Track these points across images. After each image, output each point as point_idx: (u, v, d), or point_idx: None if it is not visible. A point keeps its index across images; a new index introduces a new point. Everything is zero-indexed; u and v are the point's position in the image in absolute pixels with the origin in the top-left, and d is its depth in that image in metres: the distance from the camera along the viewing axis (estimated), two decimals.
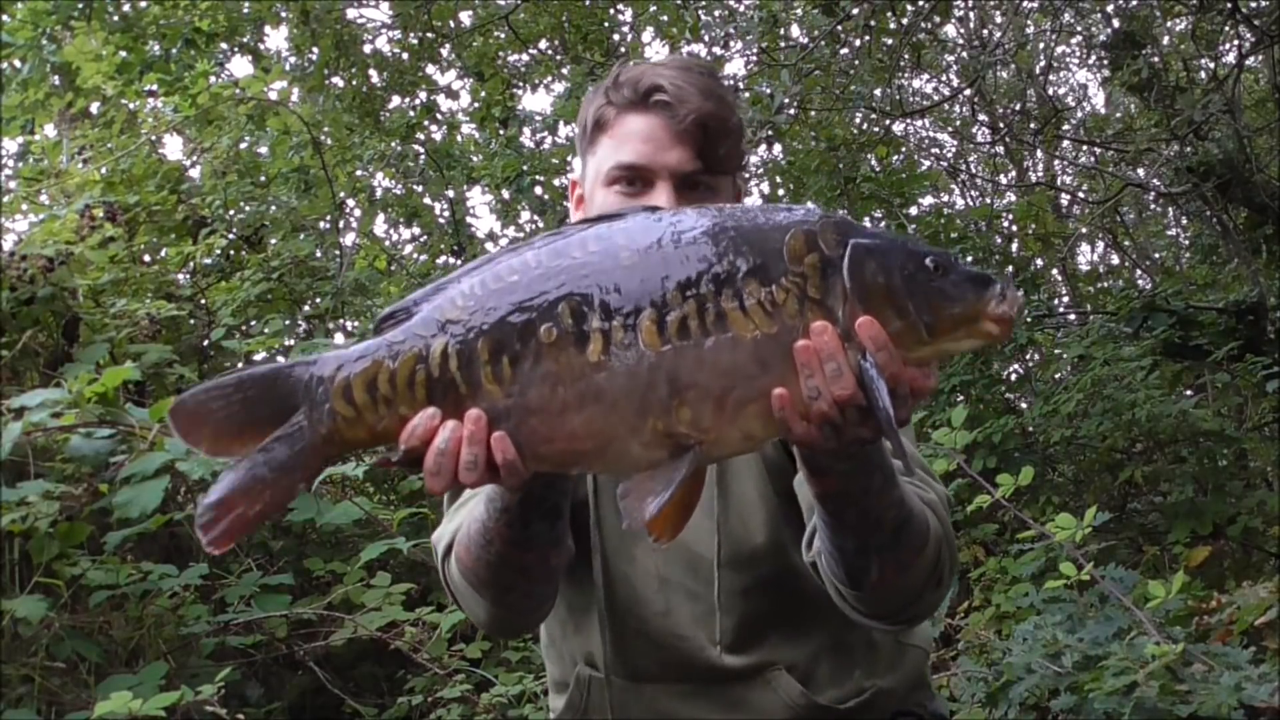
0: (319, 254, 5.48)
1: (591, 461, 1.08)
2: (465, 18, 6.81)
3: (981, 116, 6.90)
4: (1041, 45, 7.04)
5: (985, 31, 6.87)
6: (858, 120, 6.95)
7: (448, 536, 1.42)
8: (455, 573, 1.38)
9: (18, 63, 5.69)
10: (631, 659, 1.44)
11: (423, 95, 7.19)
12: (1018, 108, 7.16)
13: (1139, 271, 8.48)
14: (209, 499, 1.06)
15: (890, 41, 5.44)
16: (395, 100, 7.03)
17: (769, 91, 5.02)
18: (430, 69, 7.17)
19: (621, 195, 1.35)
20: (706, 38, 6.75)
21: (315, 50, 6.28)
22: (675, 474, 1.04)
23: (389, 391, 1.07)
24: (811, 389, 1.02)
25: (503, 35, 6.85)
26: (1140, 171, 7.08)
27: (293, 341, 4.81)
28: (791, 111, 5.15)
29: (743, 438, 1.06)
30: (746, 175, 1.47)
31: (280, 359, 4.81)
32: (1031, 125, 6.99)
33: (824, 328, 1.03)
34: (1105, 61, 6.43)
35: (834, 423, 1.04)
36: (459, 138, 7.61)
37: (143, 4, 6.01)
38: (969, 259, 6.53)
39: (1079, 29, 7.04)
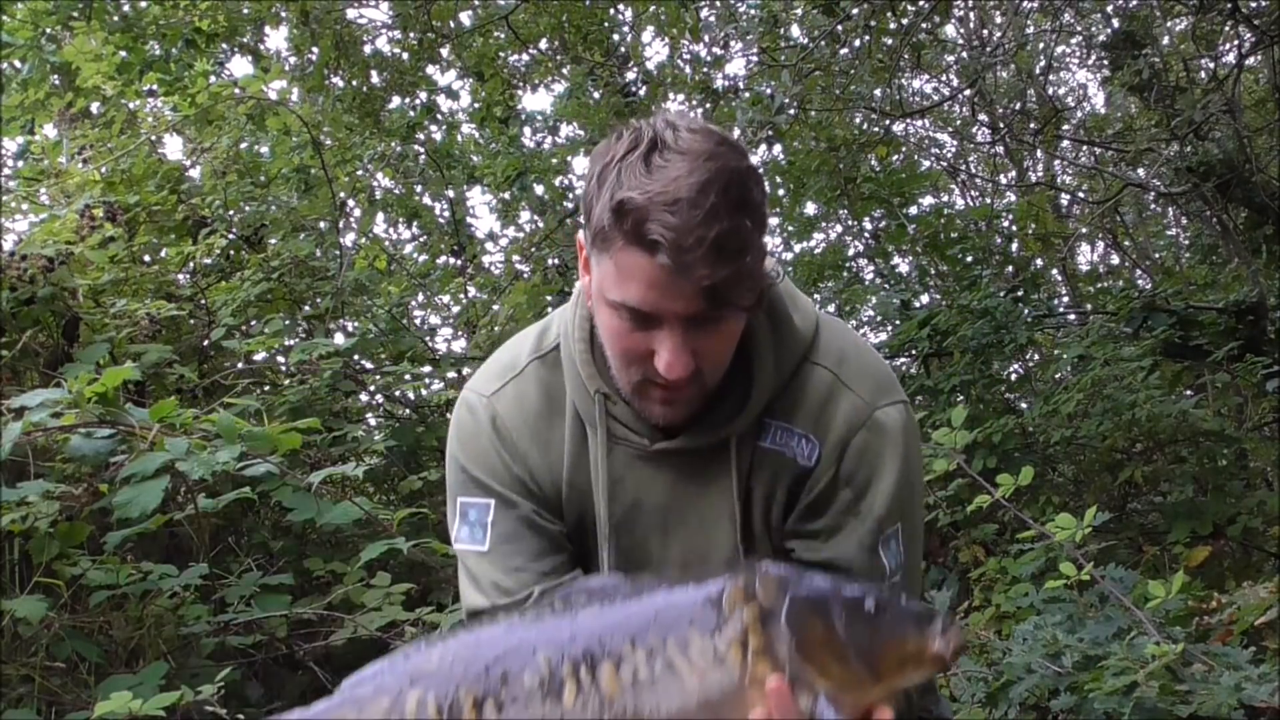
0: (319, 254, 5.48)
1: None
2: (465, 18, 6.81)
3: (981, 116, 6.90)
4: (1041, 45, 7.03)
5: (985, 31, 6.87)
6: (858, 120, 6.95)
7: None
8: None
9: (18, 63, 5.69)
10: None
11: (423, 95, 7.18)
12: (1018, 108, 7.16)
13: (1139, 271, 8.48)
14: None
15: (890, 42, 5.44)
16: (395, 100, 7.03)
17: (769, 92, 5.02)
18: (430, 69, 7.17)
19: (625, 323, 1.24)
20: (706, 38, 6.76)
21: (315, 50, 6.28)
22: None
23: None
24: None
25: (502, 35, 6.85)
26: (1140, 171, 7.08)
27: (293, 341, 4.81)
28: (791, 112, 5.15)
29: None
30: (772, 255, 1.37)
31: (281, 359, 4.82)
32: (1031, 125, 6.99)
33: (778, 685, 1.06)
34: (1105, 61, 6.43)
35: None
36: (459, 138, 7.61)
37: (143, 4, 6.01)
38: (969, 259, 6.54)
39: (1079, 29, 7.04)
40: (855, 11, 4.77)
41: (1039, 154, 8.31)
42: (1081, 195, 8.51)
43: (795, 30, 6.24)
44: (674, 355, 1.22)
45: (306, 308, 5.13)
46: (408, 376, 4.95)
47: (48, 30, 5.67)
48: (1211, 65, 6.04)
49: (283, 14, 6.57)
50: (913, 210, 7.25)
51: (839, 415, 1.34)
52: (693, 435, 1.34)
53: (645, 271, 1.18)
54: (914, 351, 5.69)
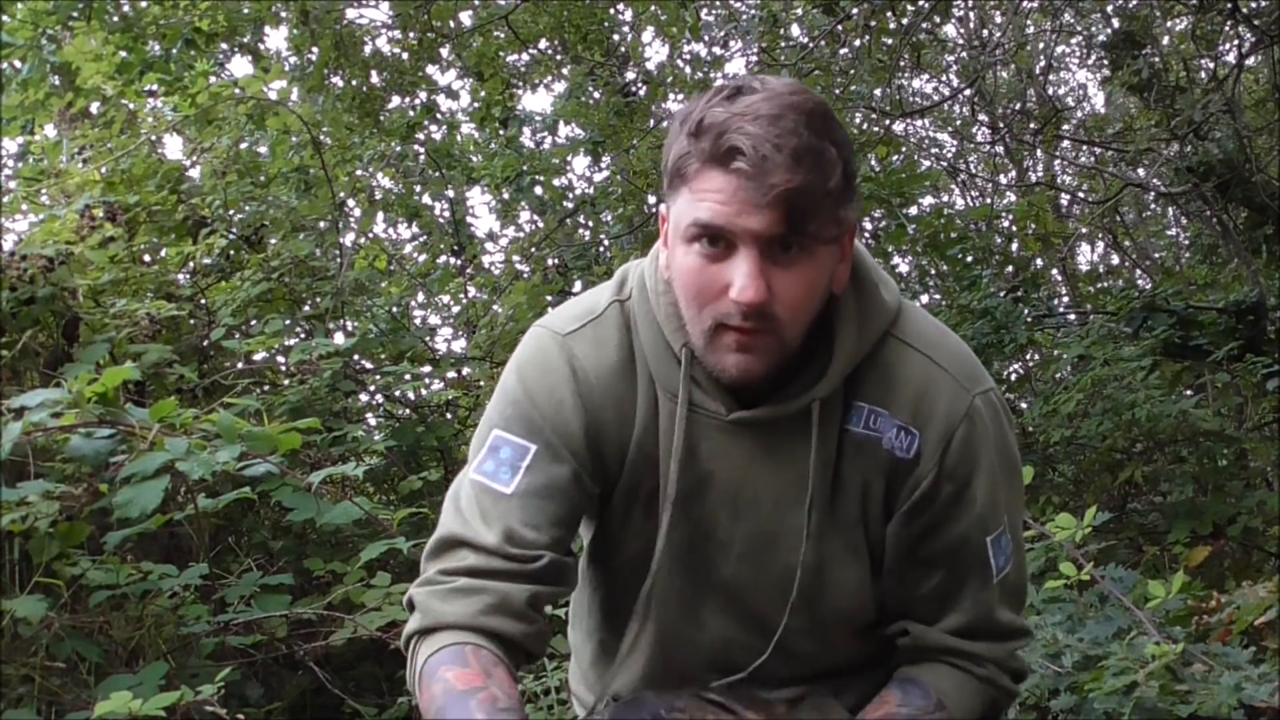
0: (319, 254, 5.48)
1: None
2: (465, 18, 6.81)
3: (981, 116, 6.90)
4: (1041, 45, 7.04)
5: (985, 31, 6.87)
6: (858, 120, 6.95)
7: (446, 543, 1.31)
8: (426, 679, 1.25)
9: (18, 63, 5.69)
10: None
11: (423, 95, 7.19)
12: (1018, 108, 7.16)
13: (1139, 271, 8.48)
14: None
15: (890, 41, 5.44)
16: (395, 100, 7.04)
17: None
18: (430, 69, 7.17)
19: (702, 256, 1.21)
20: (706, 38, 6.76)
21: (315, 50, 6.28)
22: None
23: None
24: None
25: (502, 35, 6.85)
26: (1140, 171, 7.08)
27: (293, 341, 4.81)
28: None
29: None
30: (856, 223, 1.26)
31: (281, 359, 4.82)
32: (1031, 125, 6.99)
33: None
34: (1105, 61, 6.43)
35: None
36: (459, 137, 7.61)
37: (143, 4, 6.01)
38: (969, 259, 6.54)
39: (1079, 29, 7.04)
40: (855, 11, 4.78)
41: (1039, 154, 8.31)
42: (1081, 195, 8.51)
43: (795, 30, 6.25)
44: (749, 278, 1.17)
45: (306, 308, 5.13)
46: (408, 376, 4.94)
47: (48, 30, 5.68)
48: (1211, 65, 6.03)
49: (283, 14, 6.57)
50: (913, 210, 7.24)
51: (939, 405, 1.29)
52: (772, 404, 1.28)
53: (721, 187, 1.16)
54: None
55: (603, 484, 1.35)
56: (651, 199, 7.41)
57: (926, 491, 1.30)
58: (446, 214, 7.53)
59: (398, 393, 5.16)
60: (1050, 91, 7.58)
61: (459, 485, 1.35)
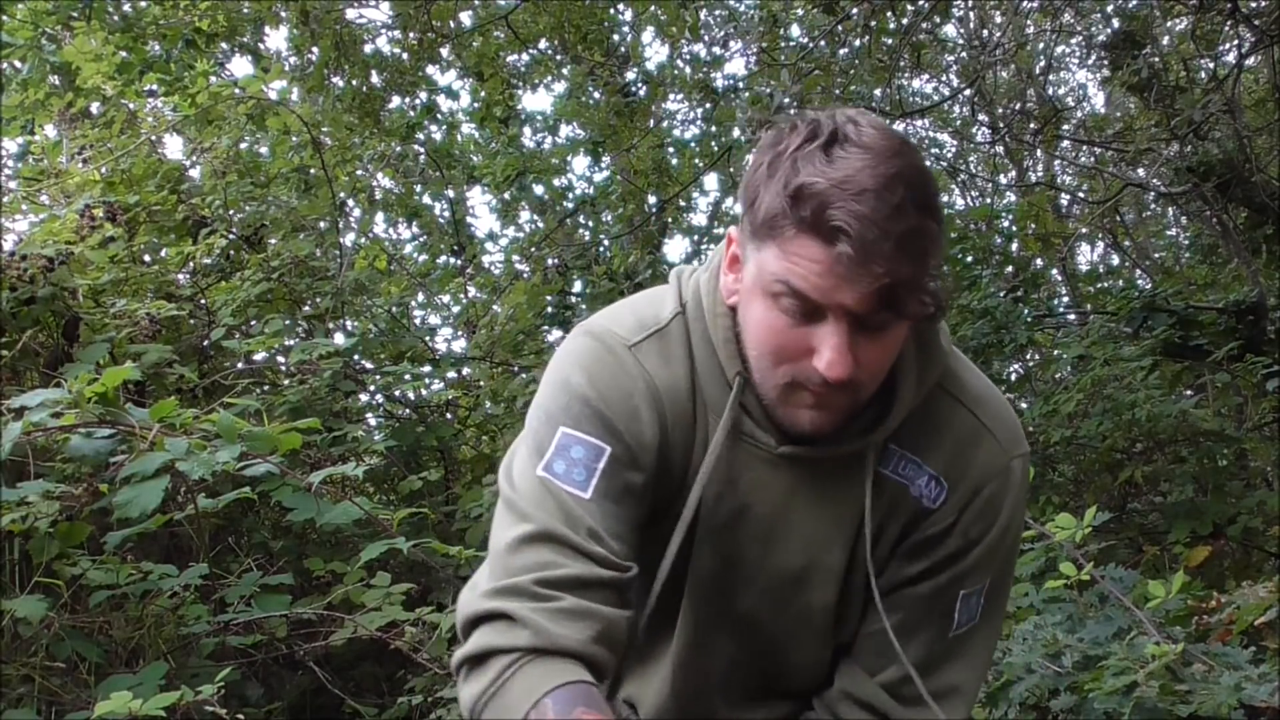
0: (319, 254, 5.48)
1: None
2: (465, 18, 6.82)
3: (981, 116, 6.90)
4: (1041, 45, 7.04)
5: (985, 32, 6.87)
6: None
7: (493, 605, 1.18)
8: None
9: (18, 63, 5.69)
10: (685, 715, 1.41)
11: (423, 95, 7.19)
12: (1018, 108, 7.17)
13: (1139, 271, 8.49)
14: None
15: (890, 41, 5.44)
16: (395, 100, 7.04)
17: (769, 91, 5.02)
18: (430, 69, 7.18)
19: (785, 315, 1.14)
20: (706, 38, 6.77)
21: (315, 50, 6.28)
22: None
23: None
24: None
25: (502, 35, 6.86)
26: (1140, 171, 7.09)
27: (293, 341, 4.81)
28: (791, 111, 5.15)
29: None
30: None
31: (281, 359, 4.82)
32: (1031, 125, 6.99)
33: None
34: (1105, 61, 6.43)
35: None
36: (459, 138, 7.62)
37: (143, 4, 6.01)
38: (969, 259, 6.55)
39: (1079, 29, 7.04)
40: (855, 11, 4.78)
41: (1039, 154, 8.31)
42: (1081, 195, 8.52)
43: (795, 30, 6.25)
44: (837, 354, 1.11)
45: (306, 308, 5.13)
46: (408, 376, 4.95)
47: (48, 30, 5.68)
48: (1211, 65, 6.03)
49: (283, 14, 6.57)
50: None
51: (977, 463, 1.27)
52: (827, 444, 1.23)
53: (819, 260, 1.09)
54: None
55: (659, 502, 1.28)
56: (651, 199, 7.41)
57: (935, 536, 1.28)
58: (446, 214, 7.54)
59: (398, 393, 5.17)
60: (1050, 91, 7.59)
61: (513, 476, 1.25)
